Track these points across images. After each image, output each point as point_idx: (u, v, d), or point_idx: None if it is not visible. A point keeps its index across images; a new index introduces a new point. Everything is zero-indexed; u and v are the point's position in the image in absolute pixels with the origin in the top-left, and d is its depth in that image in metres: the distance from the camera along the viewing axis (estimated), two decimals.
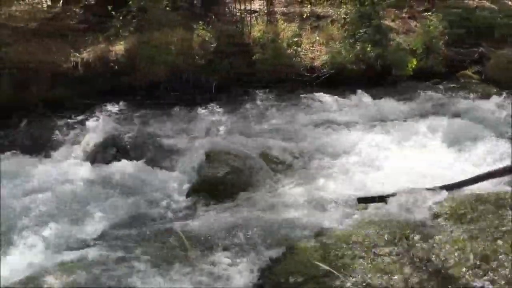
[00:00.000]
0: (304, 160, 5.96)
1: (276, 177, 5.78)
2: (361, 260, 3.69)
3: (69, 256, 4.39)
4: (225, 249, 4.09)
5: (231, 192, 5.44)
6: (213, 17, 9.47)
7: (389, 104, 7.93)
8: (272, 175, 5.81)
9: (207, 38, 9.09)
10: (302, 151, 6.14)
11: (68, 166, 6.35)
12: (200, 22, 9.33)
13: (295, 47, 9.09)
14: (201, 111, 7.89)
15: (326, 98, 8.10)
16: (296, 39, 9.22)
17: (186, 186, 5.87)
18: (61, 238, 4.84)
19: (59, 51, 8.63)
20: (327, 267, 3.36)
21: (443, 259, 3.59)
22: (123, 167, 6.29)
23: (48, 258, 4.45)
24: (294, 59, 9.00)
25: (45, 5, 11.28)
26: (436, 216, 4.23)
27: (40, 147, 6.87)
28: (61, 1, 11.36)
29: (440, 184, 4.69)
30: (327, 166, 5.78)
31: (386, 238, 3.91)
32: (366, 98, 8.04)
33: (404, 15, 11.25)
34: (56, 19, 9.81)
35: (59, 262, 4.26)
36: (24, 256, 4.58)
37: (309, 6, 10.65)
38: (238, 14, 10.03)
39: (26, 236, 4.87)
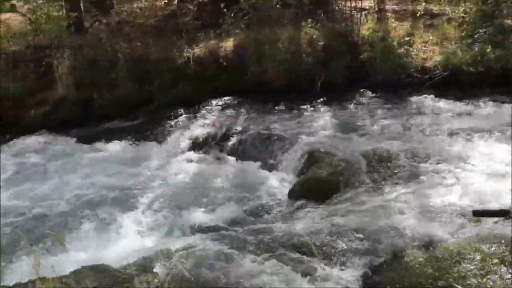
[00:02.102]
0: (413, 165, 5.66)
1: (382, 181, 5.56)
2: (474, 279, 3.42)
3: (176, 243, 4.62)
4: (325, 253, 4.02)
5: (334, 194, 5.34)
6: (322, 15, 9.37)
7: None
8: (377, 179, 5.60)
9: (315, 36, 9.03)
10: (411, 155, 5.83)
11: (178, 158, 6.70)
12: (308, 20, 9.29)
13: (407, 47, 8.69)
14: (305, 109, 7.85)
15: (439, 101, 7.64)
16: (408, 38, 8.81)
17: (288, 184, 5.90)
18: (170, 226, 5.13)
19: (174, 47, 9.07)
20: (441, 284, 3.15)
21: None
22: (229, 162, 6.50)
23: (157, 244, 4.73)
24: (404, 59, 8.61)
25: (162, 3, 11.99)
26: None
27: (155, 138, 7.32)
28: None
29: None
30: (438, 173, 5.43)
31: (504, 258, 3.59)
32: (484, 103, 7.43)
33: None
34: (172, 16, 10.33)
35: (166, 249, 4.49)
36: (135, 240, 4.92)
37: (423, 3, 10.11)
38: (347, 11, 9.83)
39: (138, 222, 5.23)
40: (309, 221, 4.64)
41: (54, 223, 5.20)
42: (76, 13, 9.42)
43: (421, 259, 3.82)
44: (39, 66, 8.46)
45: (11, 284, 3.50)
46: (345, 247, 4.08)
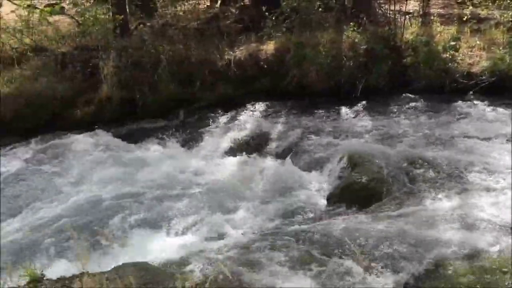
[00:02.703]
0: (457, 173, 5.52)
1: (424, 189, 5.45)
2: None
3: (215, 244, 4.69)
4: (366, 259, 3.98)
5: (373, 200, 5.30)
6: (364, 18, 9.27)
7: None
8: (419, 186, 5.49)
9: (356, 40, 8.95)
10: (455, 164, 5.70)
11: (218, 159, 6.78)
12: (350, 23, 9.22)
13: (452, 51, 8.49)
14: (345, 113, 7.80)
15: (486, 107, 7.43)
16: (453, 42, 8.60)
17: (326, 188, 5.87)
18: (208, 227, 5.20)
19: (215, 49, 9.18)
20: None
21: None
22: (268, 165, 6.52)
23: (195, 244, 4.81)
24: (449, 64, 8.41)
25: (205, 6, 12.16)
26: None
27: (195, 138, 7.43)
28: (219, 2, 12.13)
29: None
30: (483, 183, 5.28)
31: None
32: None
33: None
34: (214, 19, 10.45)
35: (205, 249, 4.56)
36: (175, 239, 5.01)
37: (470, 7, 9.84)
38: (390, 15, 9.70)
39: (177, 221, 5.33)
40: (348, 226, 4.59)
41: (97, 219, 5.35)
42: (122, 16, 9.66)
43: (463, 270, 3.74)
44: (85, 67, 8.71)
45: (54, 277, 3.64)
46: (386, 254, 4.02)
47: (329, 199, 5.53)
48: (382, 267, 3.84)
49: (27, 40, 9.96)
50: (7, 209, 5.66)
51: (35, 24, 10.51)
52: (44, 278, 3.60)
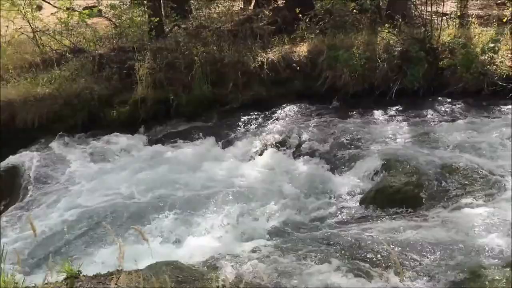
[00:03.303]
0: (494, 179, 5.38)
1: (459, 193, 5.34)
2: None
3: (245, 245, 4.71)
4: (398, 264, 3.90)
5: (408, 205, 5.22)
6: (400, 19, 9.13)
7: None
8: (454, 192, 5.39)
9: (391, 42, 8.83)
10: (492, 169, 5.56)
11: (250, 161, 6.81)
12: (385, 25, 9.10)
13: (491, 54, 8.26)
14: (379, 116, 7.70)
15: None
16: (492, 44, 8.37)
17: (359, 191, 5.82)
18: (239, 228, 5.22)
19: (248, 51, 9.21)
20: None
21: None
22: (300, 167, 6.51)
23: (226, 244, 4.84)
24: (488, 66, 8.18)
25: (238, 8, 12.24)
26: None
27: (228, 139, 7.49)
28: (253, 4, 12.19)
29: None
30: None
31: None
32: None
33: None
34: (247, 21, 10.49)
35: (236, 249, 4.58)
36: (206, 239, 5.06)
37: (510, 8, 9.55)
38: (427, 17, 9.52)
39: (208, 222, 5.38)
40: (382, 230, 4.54)
41: (132, 216, 5.47)
42: (157, 18, 9.83)
43: (501, 278, 3.63)
44: (122, 68, 8.89)
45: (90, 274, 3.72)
46: (421, 260, 3.96)
47: (362, 202, 5.48)
48: (416, 273, 3.77)
49: (66, 42, 10.26)
50: (47, 206, 5.85)
51: (74, 26, 10.82)
52: (81, 275, 3.68)
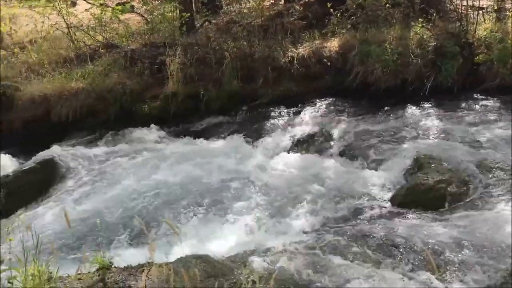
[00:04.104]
0: None
1: (495, 192, 5.19)
2: None
3: (274, 241, 4.70)
4: (431, 264, 3.82)
5: (441, 203, 5.10)
6: (434, 14, 8.92)
7: None
8: (489, 189, 5.24)
9: (425, 37, 8.63)
10: None
11: (279, 156, 6.79)
12: (419, 19, 8.91)
13: None
14: (412, 112, 7.53)
15: None
16: None
17: (390, 189, 5.73)
18: (267, 224, 5.22)
19: (279, 46, 9.16)
20: None
21: None
22: (329, 163, 6.45)
23: (255, 240, 4.84)
24: None
25: (269, 3, 12.18)
26: None
27: (257, 135, 7.48)
28: None
29: None
30: None
31: None
32: None
33: None
34: (278, 16, 10.43)
35: (264, 245, 4.58)
36: (235, 235, 5.07)
37: None
38: (462, 11, 9.26)
39: (237, 217, 5.39)
40: (414, 228, 4.45)
41: (161, 210, 5.53)
42: (189, 14, 9.90)
43: None
44: (153, 63, 8.99)
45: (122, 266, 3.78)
46: (455, 260, 3.86)
47: (393, 199, 5.39)
48: (451, 274, 3.68)
49: (99, 38, 10.43)
50: (80, 198, 5.99)
51: (107, 22, 11.00)
52: (112, 266, 3.75)
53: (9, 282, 3.25)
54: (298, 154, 6.67)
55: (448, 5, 9.92)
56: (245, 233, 5.02)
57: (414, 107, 7.67)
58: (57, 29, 10.75)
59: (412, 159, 5.86)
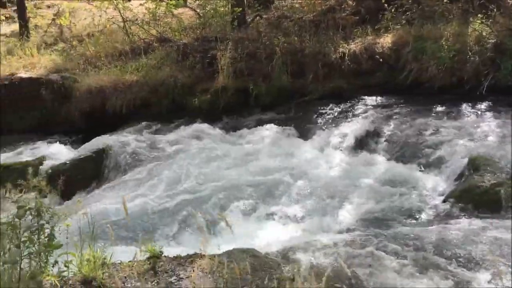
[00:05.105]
0: None
1: None
2: None
3: (320, 237, 4.65)
4: (487, 269, 3.69)
5: (498, 207, 4.90)
6: (494, 10, 8.54)
7: None
8: None
9: (484, 33, 8.28)
10: None
11: (327, 153, 6.74)
12: (478, 15, 8.56)
13: None
14: (468, 112, 7.26)
15: None
16: None
17: (442, 190, 5.57)
18: (314, 220, 5.20)
19: (329, 42, 9.07)
20: None
21: None
22: (379, 161, 6.35)
23: (301, 235, 4.83)
24: None
25: None
26: None
27: (306, 131, 7.45)
28: None
29: None
30: None
31: None
32: None
33: None
34: (329, 11, 10.32)
35: (310, 242, 4.54)
36: (281, 229, 5.08)
37: None
38: None
39: (284, 212, 5.40)
40: (468, 232, 4.29)
41: (210, 203, 5.61)
42: (240, 9, 9.97)
43: None
44: (204, 57, 9.12)
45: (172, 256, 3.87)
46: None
47: (446, 201, 5.22)
48: (508, 281, 3.53)
49: (153, 32, 10.69)
50: (133, 187, 6.18)
51: (161, 16, 11.25)
52: (163, 255, 3.84)
53: (65, 266, 3.40)
54: (347, 151, 6.60)
55: (510, 1, 9.47)
56: (292, 229, 5.03)
57: (470, 107, 7.38)
58: (114, 23, 11.11)
59: (467, 160, 5.64)
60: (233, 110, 8.50)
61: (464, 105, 7.42)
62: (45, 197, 3.82)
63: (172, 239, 4.91)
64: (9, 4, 15.52)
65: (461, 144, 6.25)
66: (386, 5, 9.13)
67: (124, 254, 3.83)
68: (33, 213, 3.16)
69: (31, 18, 13.61)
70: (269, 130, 7.62)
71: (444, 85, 7.93)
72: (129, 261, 3.69)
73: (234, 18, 9.96)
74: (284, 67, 8.74)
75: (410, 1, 8.94)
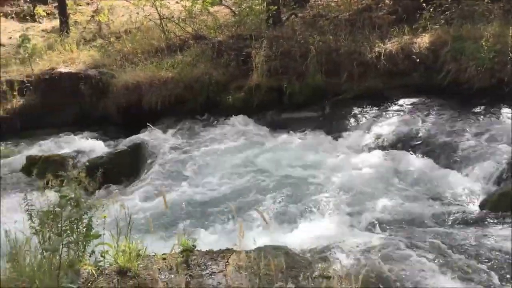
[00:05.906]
0: None
1: None
2: None
3: (352, 237, 4.63)
4: None
5: None
6: None
7: None
8: None
9: None
10: None
11: (360, 153, 6.68)
12: None
13: None
14: (507, 115, 7.04)
15: None
16: None
17: (479, 194, 5.45)
18: (346, 219, 5.16)
19: (365, 41, 8.97)
20: None
21: None
22: (413, 163, 6.25)
23: (333, 234, 4.79)
24: None
25: None
26: None
27: (339, 130, 7.41)
28: None
29: None
30: None
31: None
32: None
33: None
34: (366, 10, 10.21)
35: (343, 241, 4.52)
36: (313, 228, 5.06)
37: None
38: None
39: (316, 211, 5.38)
40: (505, 238, 4.19)
41: (242, 199, 5.66)
42: (276, 7, 9.97)
43: None
44: (239, 55, 9.17)
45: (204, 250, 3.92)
46: None
47: (483, 205, 5.11)
48: None
49: (189, 29, 10.81)
50: (169, 182, 6.27)
51: (196, 14, 11.38)
52: (195, 249, 3.90)
53: (101, 256, 3.49)
54: (381, 152, 6.52)
55: None
56: (325, 228, 4.99)
57: (509, 109, 7.18)
58: (150, 20, 11.28)
59: (505, 164, 5.50)
60: (266, 108, 8.52)
61: (504, 108, 7.22)
62: (85, 189, 3.91)
63: (206, 233, 4.96)
64: (50, 1, 15.97)
65: (500, 147, 6.10)
66: (424, 4, 8.96)
67: (158, 246, 3.91)
68: (72, 203, 3.26)
69: (71, 15, 13.97)
70: (302, 129, 7.62)
71: (483, 87, 7.73)
72: (162, 254, 3.76)
73: (269, 17, 9.97)
74: (319, 66, 8.69)
75: (449, 0, 8.76)
